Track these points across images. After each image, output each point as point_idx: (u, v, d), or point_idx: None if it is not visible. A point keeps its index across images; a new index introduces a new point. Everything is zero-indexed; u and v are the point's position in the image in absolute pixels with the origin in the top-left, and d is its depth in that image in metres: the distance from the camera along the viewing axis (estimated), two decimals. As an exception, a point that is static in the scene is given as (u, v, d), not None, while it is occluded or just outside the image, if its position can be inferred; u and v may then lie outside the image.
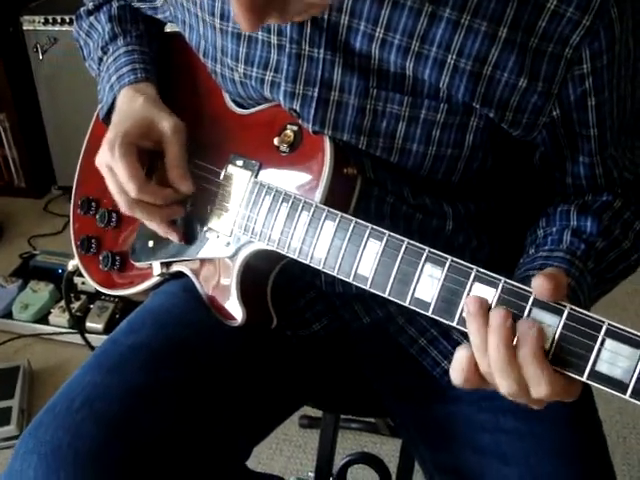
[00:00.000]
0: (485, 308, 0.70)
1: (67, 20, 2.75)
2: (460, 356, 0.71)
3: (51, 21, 2.78)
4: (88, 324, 2.35)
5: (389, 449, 2.03)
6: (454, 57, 0.81)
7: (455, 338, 1.01)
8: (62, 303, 2.46)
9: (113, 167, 0.95)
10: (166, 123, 0.98)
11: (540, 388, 0.67)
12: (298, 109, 0.90)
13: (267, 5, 0.68)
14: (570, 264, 0.82)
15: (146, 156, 1.00)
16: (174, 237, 1.00)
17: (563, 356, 0.67)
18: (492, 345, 0.68)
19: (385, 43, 0.83)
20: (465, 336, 0.97)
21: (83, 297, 2.41)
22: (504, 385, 0.68)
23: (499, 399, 0.91)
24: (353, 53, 0.85)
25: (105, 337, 2.17)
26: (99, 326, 2.34)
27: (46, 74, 2.89)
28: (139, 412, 0.88)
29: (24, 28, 2.83)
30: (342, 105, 0.88)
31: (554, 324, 0.68)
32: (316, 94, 0.88)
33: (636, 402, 0.65)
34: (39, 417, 0.87)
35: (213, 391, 0.96)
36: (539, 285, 0.67)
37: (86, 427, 0.84)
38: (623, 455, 1.98)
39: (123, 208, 0.97)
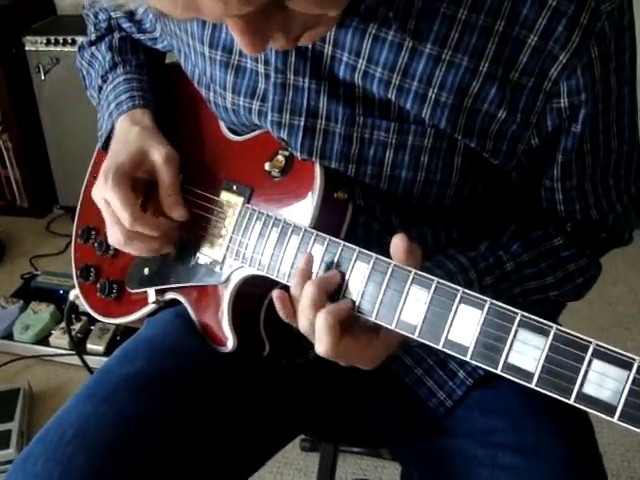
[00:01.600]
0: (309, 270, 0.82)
1: (69, 41, 2.77)
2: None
3: (53, 42, 2.80)
4: (89, 346, 2.34)
5: (390, 473, 2.02)
6: (435, 91, 0.82)
7: (452, 368, 0.99)
8: (63, 324, 2.46)
9: (107, 198, 0.95)
10: (158, 153, 0.98)
11: (319, 344, 0.78)
12: (286, 138, 0.90)
13: (267, 26, 0.67)
14: (462, 272, 0.86)
15: (141, 188, 1.00)
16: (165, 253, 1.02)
17: (549, 378, 0.67)
18: (306, 289, 0.80)
19: (367, 75, 0.83)
20: (460, 365, 0.97)
21: (84, 318, 2.39)
22: (300, 322, 0.81)
23: (498, 433, 0.92)
24: (337, 82, 0.85)
25: (106, 359, 2.18)
26: (100, 348, 2.33)
27: (48, 94, 2.91)
28: (132, 442, 0.88)
29: (26, 49, 2.85)
30: (329, 133, 0.88)
31: (541, 346, 0.67)
32: (302, 123, 0.88)
33: (624, 425, 0.64)
34: (29, 448, 0.87)
35: (207, 420, 0.96)
36: (394, 244, 0.77)
37: (78, 459, 0.83)
38: (627, 479, 1.97)
39: (117, 241, 0.97)
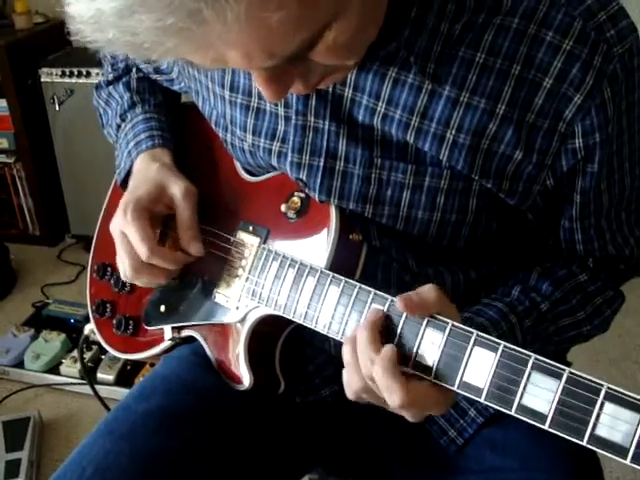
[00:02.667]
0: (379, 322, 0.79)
1: (83, 72, 2.81)
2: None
3: (68, 74, 2.84)
4: (99, 375, 2.34)
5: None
6: (453, 132, 0.83)
7: (463, 407, 1.00)
8: (74, 353, 2.46)
9: (125, 230, 0.96)
10: (177, 187, 1.00)
11: (393, 397, 0.74)
12: (304, 179, 0.91)
13: (289, 76, 0.70)
14: (503, 317, 0.86)
15: (159, 221, 1.02)
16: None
17: (563, 420, 0.68)
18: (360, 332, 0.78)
19: (386, 117, 0.85)
20: (471, 403, 0.98)
21: (95, 347, 2.39)
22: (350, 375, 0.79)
23: (507, 472, 0.92)
24: (357, 125, 0.87)
25: (116, 388, 2.17)
26: (110, 377, 2.33)
27: (62, 124, 2.94)
28: (151, 479, 0.89)
29: (42, 80, 2.88)
30: (347, 175, 0.89)
31: (553, 388, 0.69)
32: (322, 164, 0.90)
33: (637, 467, 0.65)
34: None
35: (222, 457, 0.97)
36: (398, 306, 0.76)
37: None
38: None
39: (129, 273, 0.98)
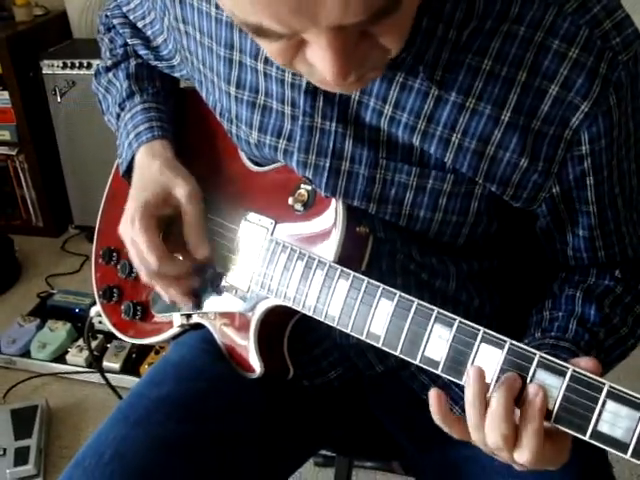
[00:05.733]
0: (484, 375, 0.75)
1: (85, 64, 2.81)
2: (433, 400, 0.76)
3: (69, 65, 2.84)
4: (105, 363, 2.37)
5: (402, 487, 2.03)
6: (459, 136, 0.84)
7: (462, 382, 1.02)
8: (79, 342, 2.49)
9: (134, 239, 0.99)
10: (182, 190, 1.01)
11: (527, 450, 0.72)
12: (310, 177, 0.93)
13: (354, 54, 0.66)
14: (574, 356, 0.84)
15: (165, 221, 1.03)
16: (189, 305, 1.05)
17: (566, 416, 0.70)
18: (497, 398, 0.72)
19: (393, 120, 0.86)
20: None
21: (100, 336, 2.43)
22: (494, 436, 0.73)
23: None
24: (363, 126, 0.88)
25: (122, 376, 2.19)
26: (116, 365, 2.36)
27: (64, 116, 2.95)
28: (167, 464, 0.91)
29: (43, 72, 2.90)
30: (353, 175, 0.90)
31: (557, 385, 0.71)
32: (328, 164, 0.91)
33: (637, 462, 0.67)
34: (68, 471, 0.90)
35: (234, 442, 0.99)
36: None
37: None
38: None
39: (144, 278, 1.02)
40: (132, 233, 0.99)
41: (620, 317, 0.94)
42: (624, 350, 0.95)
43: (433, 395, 0.75)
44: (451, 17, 0.79)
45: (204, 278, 1.05)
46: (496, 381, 0.74)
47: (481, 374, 0.74)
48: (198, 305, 1.06)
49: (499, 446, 0.73)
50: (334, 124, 0.89)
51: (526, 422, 0.71)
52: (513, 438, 0.72)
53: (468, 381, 0.75)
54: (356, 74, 0.69)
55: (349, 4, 0.58)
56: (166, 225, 1.03)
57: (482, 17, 0.80)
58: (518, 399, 0.73)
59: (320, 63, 0.66)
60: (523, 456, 0.72)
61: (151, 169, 1.04)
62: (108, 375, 2.23)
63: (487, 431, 0.74)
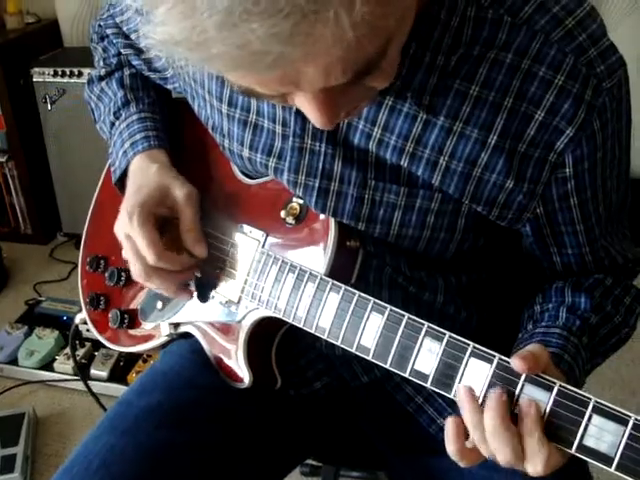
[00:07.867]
0: (474, 394, 0.76)
1: (75, 72, 2.82)
2: (450, 428, 0.77)
3: (60, 73, 2.84)
4: (93, 371, 2.36)
5: (389, 498, 2.03)
6: (446, 159, 0.86)
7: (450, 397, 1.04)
8: (67, 350, 2.48)
9: (132, 236, 0.99)
10: (179, 190, 1.02)
11: (537, 460, 0.72)
12: (300, 195, 0.94)
13: (341, 101, 0.68)
14: (567, 340, 0.87)
15: (160, 221, 1.04)
16: (184, 298, 1.05)
17: (553, 430, 0.72)
18: (489, 417, 0.74)
19: (382, 142, 0.88)
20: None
21: (88, 344, 2.42)
22: (501, 452, 0.73)
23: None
24: (352, 148, 0.90)
25: (109, 384, 2.18)
26: (103, 373, 2.35)
27: (54, 124, 2.96)
28: (154, 474, 0.92)
29: (34, 80, 2.89)
30: (342, 195, 0.92)
31: (544, 400, 0.72)
32: (317, 184, 0.92)
33: (621, 475, 0.68)
34: (56, 479, 0.91)
35: (221, 451, 1.00)
36: (515, 366, 0.74)
37: None
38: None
39: (138, 275, 1.00)
40: (129, 229, 0.99)
41: (612, 306, 0.96)
42: (619, 339, 0.97)
43: (451, 422, 0.77)
44: (439, 43, 0.81)
45: (195, 285, 1.05)
46: (484, 395, 0.75)
47: (471, 393, 0.76)
48: (186, 313, 1.07)
49: (509, 461, 0.74)
50: (324, 145, 0.90)
51: (527, 435, 0.73)
52: (519, 450, 0.73)
53: (461, 403, 0.76)
54: (345, 112, 0.72)
55: (330, 72, 0.60)
56: (160, 226, 1.03)
57: (470, 43, 0.81)
58: (513, 415, 0.74)
59: (308, 114, 0.69)
60: (537, 467, 0.73)
61: (149, 171, 1.05)
62: (96, 383, 2.27)
63: (492, 450, 0.75)
